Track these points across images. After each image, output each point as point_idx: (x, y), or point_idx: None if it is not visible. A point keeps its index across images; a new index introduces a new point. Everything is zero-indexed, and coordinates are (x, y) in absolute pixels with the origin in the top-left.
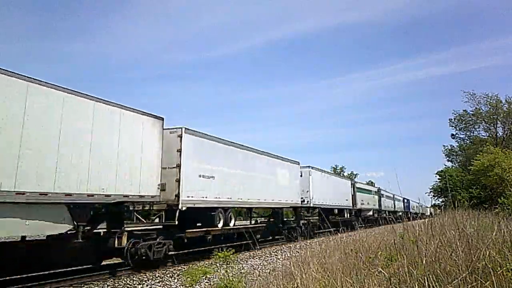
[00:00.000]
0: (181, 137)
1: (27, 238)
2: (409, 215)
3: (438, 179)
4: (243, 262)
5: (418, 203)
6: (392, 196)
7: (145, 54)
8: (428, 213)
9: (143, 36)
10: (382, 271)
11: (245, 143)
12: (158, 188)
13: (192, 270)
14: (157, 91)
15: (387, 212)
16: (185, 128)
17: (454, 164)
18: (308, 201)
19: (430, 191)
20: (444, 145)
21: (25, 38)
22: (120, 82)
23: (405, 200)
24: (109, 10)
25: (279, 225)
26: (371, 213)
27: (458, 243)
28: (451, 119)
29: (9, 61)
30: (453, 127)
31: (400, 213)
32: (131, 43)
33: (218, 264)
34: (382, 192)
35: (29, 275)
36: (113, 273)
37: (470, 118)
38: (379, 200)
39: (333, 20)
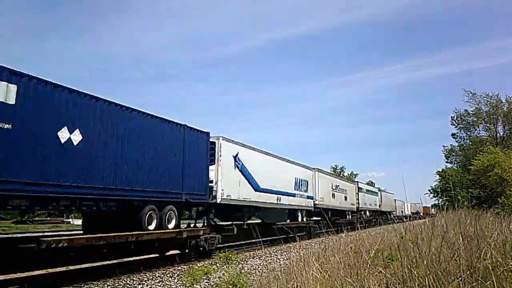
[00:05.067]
0: None
1: None
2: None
3: (438, 179)
4: (243, 262)
5: (379, 190)
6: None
7: (143, 54)
8: (409, 212)
9: (143, 35)
10: (382, 271)
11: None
12: None
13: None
14: (156, 91)
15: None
16: None
17: (453, 164)
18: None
19: (430, 191)
20: (444, 145)
21: (27, 37)
22: (120, 81)
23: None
24: (108, 9)
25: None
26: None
27: (459, 243)
28: (453, 117)
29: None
30: (454, 126)
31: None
32: (128, 42)
33: (218, 265)
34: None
35: (29, 275)
36: (112, 273)
37: (470, 118)
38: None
39: (333, 20)
